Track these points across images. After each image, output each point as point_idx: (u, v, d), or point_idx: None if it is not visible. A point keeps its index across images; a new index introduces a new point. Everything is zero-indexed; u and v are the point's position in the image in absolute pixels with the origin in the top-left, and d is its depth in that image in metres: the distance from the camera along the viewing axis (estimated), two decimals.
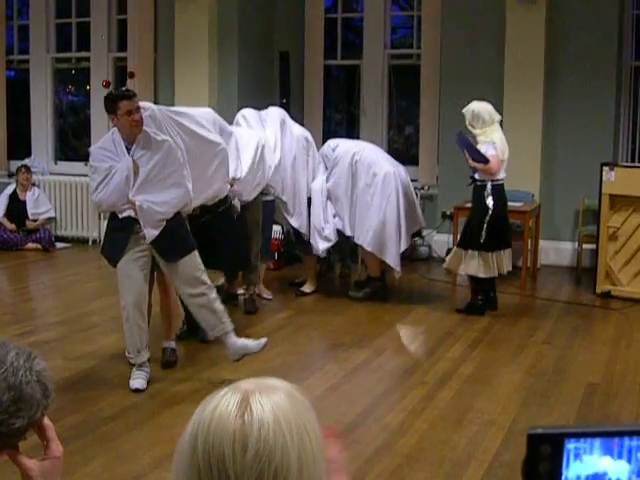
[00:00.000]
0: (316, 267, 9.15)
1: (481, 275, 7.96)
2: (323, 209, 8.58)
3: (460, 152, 8.03)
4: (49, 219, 11.64)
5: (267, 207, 8.37)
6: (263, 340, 6.01)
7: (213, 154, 6.58)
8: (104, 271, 10.46)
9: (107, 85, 6.77)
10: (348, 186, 8.51)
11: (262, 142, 7.91)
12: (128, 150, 5.74)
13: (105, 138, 5.97)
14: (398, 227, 8.42)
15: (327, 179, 8.65)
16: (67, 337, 7.24)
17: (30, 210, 11.43)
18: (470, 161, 7.82)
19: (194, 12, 10.65)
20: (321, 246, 8.56)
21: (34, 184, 11.69)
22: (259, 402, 1.32)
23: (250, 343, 5.98)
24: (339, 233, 8.61)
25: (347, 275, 9.60)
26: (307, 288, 8.89)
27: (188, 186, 5.92)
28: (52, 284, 9.73)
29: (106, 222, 6.27)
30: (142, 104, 5.91)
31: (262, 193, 8.12)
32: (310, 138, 8.77)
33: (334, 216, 8.60)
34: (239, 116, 8.39)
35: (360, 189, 8.45)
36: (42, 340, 7.09)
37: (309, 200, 8.60)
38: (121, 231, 5.86)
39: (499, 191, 7.88)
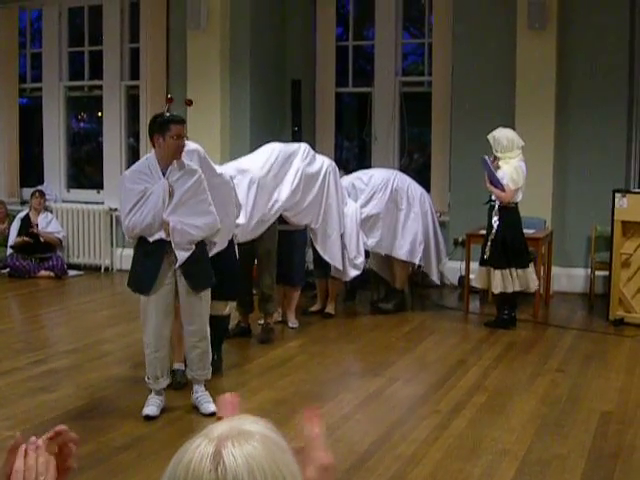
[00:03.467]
0: (339, 290, 9.40)
1: (477, 286, 8.71)
2: (357, 238, 8.75)
3: (483, 174, 8.46)
4: (59, 240, 11.63)
5: (299, 236, 8.46)
6: (212, 408, 5.83)
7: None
8: (116, 299, 10.53)
9: (189, 103, 6.90)
10: (393, 211, 9.10)
11: (255, 179, 7.77)
12: (163, 174, 5.82)
13: (139, 162, 6.09)
14: (436, 240, 9.39)
15: (363, 206, 9.02)
16: (79, 365, 7.23)
17: (41, 230, 11.46)
18: (487, 184, 8.31)
19: (206, 40, 10.70)
20: (351, 273, 8.91)
21: (46, 209, 11.76)
22: (232, 454, 1.30)
23: (205, 402, 6.01)
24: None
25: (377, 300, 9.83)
26: (332, 310, 9.14)
27: (216, 215, 5.98)
28: (64, 312, 9.72)
29: (133, 251, 6.17)
30: (190, 144, 6.21)
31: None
32: (335, 167, 8.83)
33: (364, 246, 9.00)
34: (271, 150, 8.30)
35: (403, 212, 9.11)
36: (54, 369, 7.09)
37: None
38: (152, 257, 5.86)
39: (508, 214, 8.29)
